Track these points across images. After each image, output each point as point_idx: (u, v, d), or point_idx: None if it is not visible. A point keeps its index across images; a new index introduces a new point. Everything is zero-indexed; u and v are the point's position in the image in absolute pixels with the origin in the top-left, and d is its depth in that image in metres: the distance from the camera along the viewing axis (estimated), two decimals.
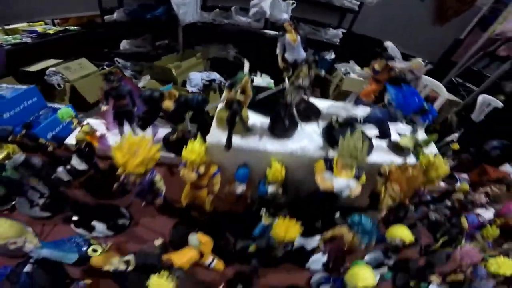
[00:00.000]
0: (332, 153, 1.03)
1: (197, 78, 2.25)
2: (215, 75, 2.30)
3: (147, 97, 1.12)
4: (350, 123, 1.09)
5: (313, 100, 1.35)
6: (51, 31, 2.92)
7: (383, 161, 1.08)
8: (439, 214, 1.38)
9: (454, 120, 2.57)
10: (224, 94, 0.92)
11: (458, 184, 1.63)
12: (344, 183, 0.91)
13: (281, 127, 1.04)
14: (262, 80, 2.53)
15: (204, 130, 1.01)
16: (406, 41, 1.22)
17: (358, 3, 2.77)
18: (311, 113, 1.24)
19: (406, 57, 1.36)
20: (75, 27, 3.08)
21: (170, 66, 2.46)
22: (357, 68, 2.96)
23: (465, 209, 1.41)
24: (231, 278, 1.09)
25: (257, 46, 2.30)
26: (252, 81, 0.95)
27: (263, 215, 0.91)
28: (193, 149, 0.89)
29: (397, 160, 1.14)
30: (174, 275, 0.77)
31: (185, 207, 1.18)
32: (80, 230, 1.17)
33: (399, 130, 1.29)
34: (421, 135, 1.31)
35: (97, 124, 1.37)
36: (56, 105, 1.56)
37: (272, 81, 2.52)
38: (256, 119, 1.09)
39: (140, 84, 2.46)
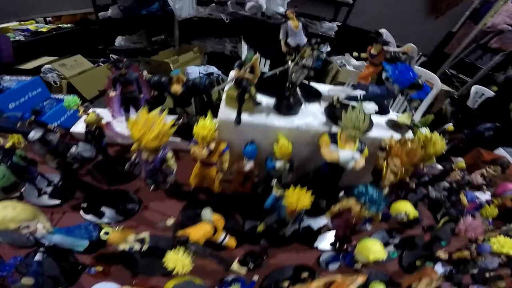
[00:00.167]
0: (335, 129, 1.11)
1: (195, 72, 2.32)
2: (213, 69, 2.38)
3: (156, 82, 1.19)
4: (350, 100, 1.18)
5: (313, 84, 1.45)
6: (44, 29, 2.96)
7: (383, 136, 1.17)
8: (438, 193, 1.47)
9: (448, 110, 2.70)
10: (234, 73, 0.99)
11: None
12: (349, 154, 0.99)
13: (286, 105, 1.12)
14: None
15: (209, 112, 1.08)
16: (400, 34, 1.32)
17: None
18: (313, 95, 1.33)
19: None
20: (69, 25, 3.12)
21: (167, 60, 2.52)
22: (353, 60, 3.07)
23: (463, 189, 1.50)
24: (241, 259, 1.13)
25: (260, 34, 2.36)
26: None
27: (274, 186, 0.97)
28: (205, 125, 0.96)
29: (396, 136, 1.23)
30: (190, 250, 0.82)
31: (194, 189, 1.25)
32: (89, 217, 1.22)
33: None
34: (418, 118, 1.41)
35: (102, 112, 1.43)
36: (59, 96, 1.60)
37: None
38: (262, 99, 1.16)
39: None
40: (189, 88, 1.19)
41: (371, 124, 1.21)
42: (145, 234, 0.91)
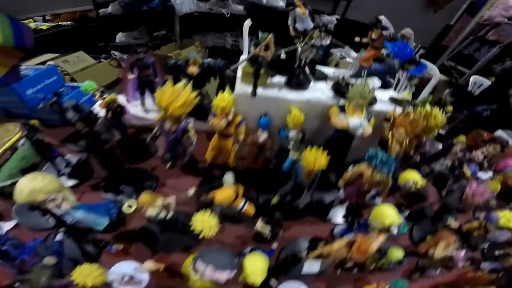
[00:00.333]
0: (342, 102, 1.24)
1: None
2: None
3: (173, 65, 1.32)
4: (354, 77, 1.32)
5: (319, 68, 1.58)
6: (43, 27, 3.07)
7: (387, 110, 1.30)
8: (442, 167, 1.59)
9: (448, 100, 2.88)
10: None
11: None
12: (357, 121, 1.12)
13: (296, 81, 1.25)
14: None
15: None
16: (399, 27, 1.48)
17: None
18: (319, 76, 1.47)
19: None
20: (68, 22, 3.25)
21: (170, 54, 2.65)
22: (352, 52, 3.24)
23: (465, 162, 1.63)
24: (255, 234, 1.21)
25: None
26: None
27: (291, 149, 1.09)
28: (223, 98, 1.09)
29: (399, 110, 1.36)
30: (215, 211, 0.93)
31: (209, 165, 1.36)
32: (109, 195, 1.31)
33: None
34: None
35: (118, 97, 1.55)
36: (73, 84, 1.72)
37: None
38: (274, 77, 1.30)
39: None
40: (204, 69, 1.32)
41: (375, 99, 1.34)
42: (171, 199, 1.00)
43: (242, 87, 1.20)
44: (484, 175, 1.75)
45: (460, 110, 2.22)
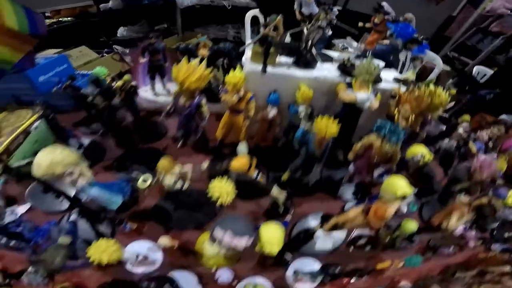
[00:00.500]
0: (349, 80, 1.33)
1: None
2: None
3: (184, 48, 1.41)
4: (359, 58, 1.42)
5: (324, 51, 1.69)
6: None
7: (392, 87, 1.39)
8: (448, 145, 1.67)
9: (451, 90, 2.96)
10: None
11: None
12: (365, 95, 1.21)
13: (304, 61, 1.35)
14: None
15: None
16: (401, 18, 1.60)
17: None
18: (325, 58, 1.56)
19: None
20: (69, 18, 3.35)
21: (173, 47, 2.75)
22: (354, 43, 3.34)
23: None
24: (268, 208, 1.31)
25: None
26: None
27: (302, 120, 1.18)
28: (235, 75, 1.18)
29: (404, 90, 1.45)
30: (232, 177, 1.00)
31: (219, 143, 1.44)
32: (122, 175, 1.39)
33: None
34: None
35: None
36: (83, 72, 1.81)
37: None
38: (281, 59, 1.40)
39: None
40: (214, 52, 1.42)
41: (380, 78, 1.44)
42: (188, 168, 1.07)
43: (252, 66, 1.30)
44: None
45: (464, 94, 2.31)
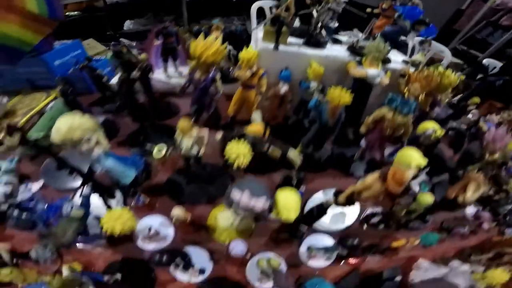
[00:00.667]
0: (358, 58, 1.41)
1: None
2: None
3: (197, 30, 1.50)
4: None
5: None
6: None
7: (401, 67, 1.47)
8: (459, 125, 1.72)
9: (461, 86, 3.03)
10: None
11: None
12: (375, 71, 1.29)
13: (314, 40, 1.43)
14: None
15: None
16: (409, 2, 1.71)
17: None
18: (334, 41, 1.65)
19: None
20: (75, 12, 3.48)
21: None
22: (361, 34, 3.43)
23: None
24: (280, 183, 1.36)
25: None
26: None
27: (315, 91, 1.26)
28: (249, 51, 1.27)
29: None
30: (248, 140, 1.05)
31: (231, 120, 1.52)
32: (135, 150, 1.46)
33: None
34: None
35: None
36: (96, 57, 1.92)
37: None
38: (292, 40, 1.49)
39: None
40: (226, 33, 1.51)
41: (389, 59, 1.51)
42: (204, 132, 1.12)
43: (264, 44, 1.39)
44: None
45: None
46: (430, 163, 1.58)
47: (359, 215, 1.33)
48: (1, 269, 0.86)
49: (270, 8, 1.91)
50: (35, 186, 1.29)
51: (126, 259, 1.09)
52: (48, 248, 0.91)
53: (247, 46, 1.31)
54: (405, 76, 1.44)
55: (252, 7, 1.80)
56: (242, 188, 0.84)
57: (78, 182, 1.27)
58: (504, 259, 1.25)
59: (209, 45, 1.16)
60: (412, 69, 1.53)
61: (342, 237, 1.21)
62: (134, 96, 1.34)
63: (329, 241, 1.20)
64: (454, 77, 1.48)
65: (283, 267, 1.10)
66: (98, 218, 1.07)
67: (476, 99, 1.77)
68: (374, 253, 1.20)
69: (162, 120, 1.60)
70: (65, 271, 0.90)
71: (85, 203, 1.14)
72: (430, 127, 1.28)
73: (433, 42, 2.62)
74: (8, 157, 1.28)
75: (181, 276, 1.05)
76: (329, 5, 1.45)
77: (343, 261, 1.18)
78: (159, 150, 1.36)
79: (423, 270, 1.09)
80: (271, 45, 1.36)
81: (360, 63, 1.36)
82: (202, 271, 1.06)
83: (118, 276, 0.99)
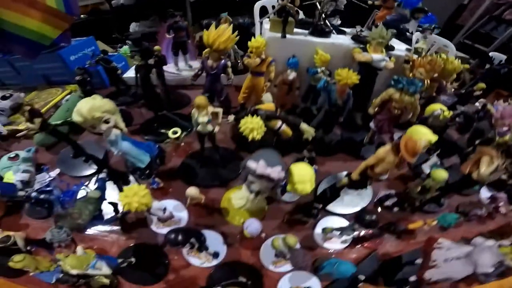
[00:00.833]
0: (363, 46, 1.51)
1: None
2: None
3: (207, 24, 1.62)
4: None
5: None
6: None
7: (405, 54, 1.57)
8: (467, 108, 1.78)
9: (467, 77, 3.13)
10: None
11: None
12: (380, 56, 1.39)
13: (319, 30, 1.54)
14: None
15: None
16: None
17: None
18: (338, 31, 1.75)
19: None
20: (81, 15, 3.63)
21: None
22: (363, 32, 3.54)
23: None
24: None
25: None
26: None
27: (323, 73, 1.35)
28: (258, 39, 1.38)
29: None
30: (261, 115, 1.11)
31: (241, 107, 1.61)
32: (149, 137, 1.55)
33: None
34: None
35: None
36: (110, 52, 2.04)
37: None
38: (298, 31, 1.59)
39: None
40: (234, 26, 1.62)
41: (392, 46, 1.61)
42: (219, 109, 1.17)
43: (271, 34, 1.50)
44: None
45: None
46: (440, 146, 1.64)
47: (373, 198, 1.35)
48: (15, 255, 0.87)
49: (273, 6, 2.03)
50: (52, 173, 1.36)
51: (140, 244, 1.13)
52: (63, 230, 0.94)
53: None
54: (409, 62, 1.53)
55: (255, 6, 1.91)
56: (257, 158, 0.87)
57: (93, 170, 1.38)
58: None
59: (221, 32, 1.27)
60: (415, 56, 1.63)
61: (358, 214, 1.17)
62: (150, 81, 1.44)
63: (344, 223, 1.20)
64: (458, 63, 1.57)
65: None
66: (113, 204, 1.21)
67: (482, 85, 1.84)
68: (391, 232, 1.21)
69: (174, 110, 1.70)
70: (80, 252, 0.94)
71: (101, 186, 1.24)
72: (437, 107, 1.33)
73: (437, 37, 2.73)
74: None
75: (195, 260, 1.07)
76: None
77: (359, 244, 1.18)
78: (175, 132, 1.46)
79: (445, 249, 1.00)
80: (278, 35, 1.46)
81: (364, 49, 1.46)
82: (216, 255, 1.08)
83: (132, 259, 1.02)
